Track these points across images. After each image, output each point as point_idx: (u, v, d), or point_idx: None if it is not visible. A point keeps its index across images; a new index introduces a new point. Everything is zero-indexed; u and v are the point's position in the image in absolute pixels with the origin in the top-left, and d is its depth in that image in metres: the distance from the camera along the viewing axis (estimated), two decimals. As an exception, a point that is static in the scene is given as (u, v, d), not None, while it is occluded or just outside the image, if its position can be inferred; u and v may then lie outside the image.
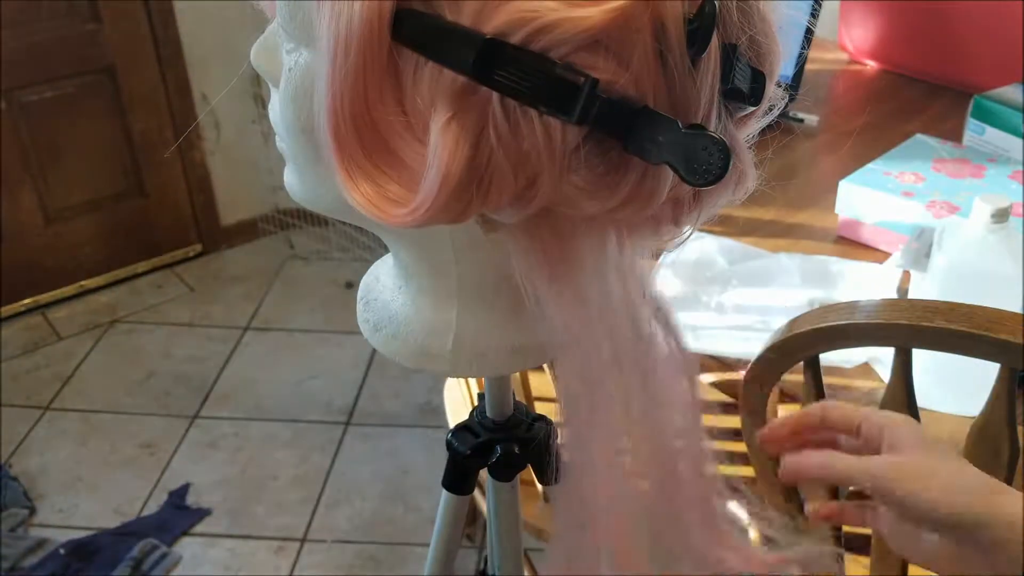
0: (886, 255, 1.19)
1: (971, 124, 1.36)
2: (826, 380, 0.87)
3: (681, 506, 0.51)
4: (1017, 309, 0.90)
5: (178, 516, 1.95)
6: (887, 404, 0.84)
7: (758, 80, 0.45)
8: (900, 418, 0.57)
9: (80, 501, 1.99)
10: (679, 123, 0.39)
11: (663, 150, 0.40)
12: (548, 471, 0.74)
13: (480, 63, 0.39)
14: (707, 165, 0.39)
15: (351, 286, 2.69)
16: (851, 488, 1.30)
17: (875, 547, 0.95)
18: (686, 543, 0.52)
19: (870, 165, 1.26)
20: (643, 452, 0.50)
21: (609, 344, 0.47)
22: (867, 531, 0.96)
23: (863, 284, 1.13)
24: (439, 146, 0.40)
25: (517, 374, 1.23)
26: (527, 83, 0.39)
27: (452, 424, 1.26)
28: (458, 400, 1.52)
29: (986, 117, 1.34)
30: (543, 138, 0.40)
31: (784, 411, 0.96)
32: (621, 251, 0.47)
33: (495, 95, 0.39)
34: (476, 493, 1.39)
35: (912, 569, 0.98)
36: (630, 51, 0.39)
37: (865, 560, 0.99)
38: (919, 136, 1.35)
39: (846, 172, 1.25)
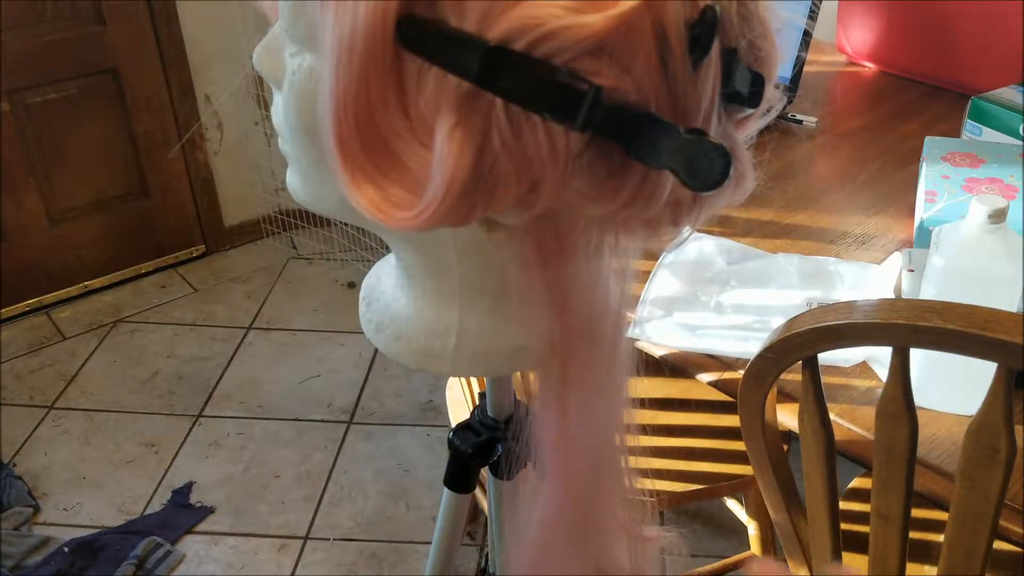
0: (883, 256, 1.19)
1: (968, 126, 1.37)
2: (824, 379, 0.88)
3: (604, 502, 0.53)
4: (1014, 309, 0.90)
5: (181, 514, 1.96)
6: (885, 403, 0.84)
7: (757, 82, 0.44)
8: None
9: (84, 500, 2.00)
10: (680, 129, 0.39)
11: (664, 155, 0.40)
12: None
13: (484, 70, 0.38)
14: (708, 170, 0.39)
15: (353, 286, 2.69)
16: (849, 486, 1.30)
17: (873, 546, 0.96)
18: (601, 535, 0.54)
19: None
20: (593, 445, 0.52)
21: (596, 342, 0.48)
22: (866, 529, 0.97)
23: (861, 284, 1.14)
24: (444, 152, 0.40)
25: (518, 373, 1.23)
26: (531, 90, 0.39)
27: (453, 423, 1.27)
28: (459, 399, 1.53)
29: (983, 119, 1.35)
30: (546, 144, 0.40)
31: (782, 410, 0.97)
32: (618, 252, 0.47)
33: (499, 101, 0.39)
34: (477, 491, 1.40)
35: (911, 569, 0.98)
36: (632, 57, 0.39)
37: (864, 559, 1.00)
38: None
39: (844, 173, 1.25)
